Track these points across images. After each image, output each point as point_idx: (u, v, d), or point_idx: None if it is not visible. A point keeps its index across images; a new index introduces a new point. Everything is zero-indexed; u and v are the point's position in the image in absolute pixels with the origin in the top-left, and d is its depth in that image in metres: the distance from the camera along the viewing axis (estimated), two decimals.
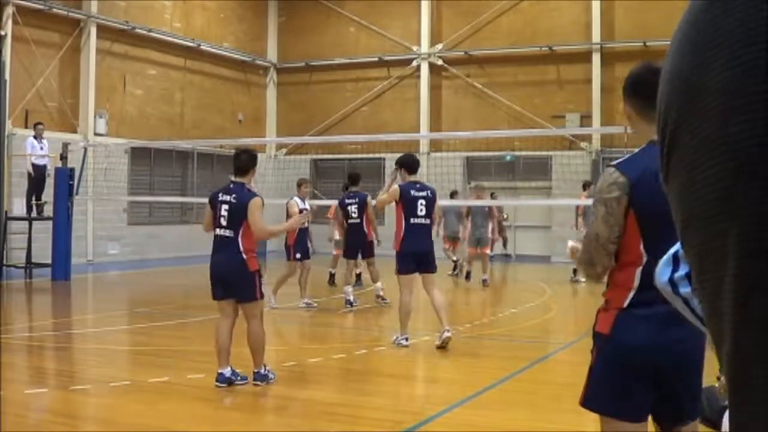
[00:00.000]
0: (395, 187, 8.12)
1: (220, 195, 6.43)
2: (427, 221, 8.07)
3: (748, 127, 0.51)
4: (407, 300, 7.98)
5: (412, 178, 8.15)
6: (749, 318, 0.52)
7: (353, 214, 10.85)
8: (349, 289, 11.19)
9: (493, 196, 18.25)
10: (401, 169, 8.21)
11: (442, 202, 11.62)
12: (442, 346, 7.80)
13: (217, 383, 6.25)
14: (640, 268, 2.59)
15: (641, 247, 2.60)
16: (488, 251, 14.35)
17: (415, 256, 7.93)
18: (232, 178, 6.51)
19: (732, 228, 0.52)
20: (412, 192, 7.99)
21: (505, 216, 18.67)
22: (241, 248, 6.25)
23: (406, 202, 7.95)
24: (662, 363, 2.58)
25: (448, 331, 7.81)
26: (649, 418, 2.71)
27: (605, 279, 2.73)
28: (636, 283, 2.60)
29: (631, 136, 2.89)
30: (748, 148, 0.51)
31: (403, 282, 7.99)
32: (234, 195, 6.33)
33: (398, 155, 8.53)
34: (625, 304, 2.60)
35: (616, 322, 2.61)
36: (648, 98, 2.72)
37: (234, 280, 6.25)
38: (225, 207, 6.32)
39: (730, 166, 0.52)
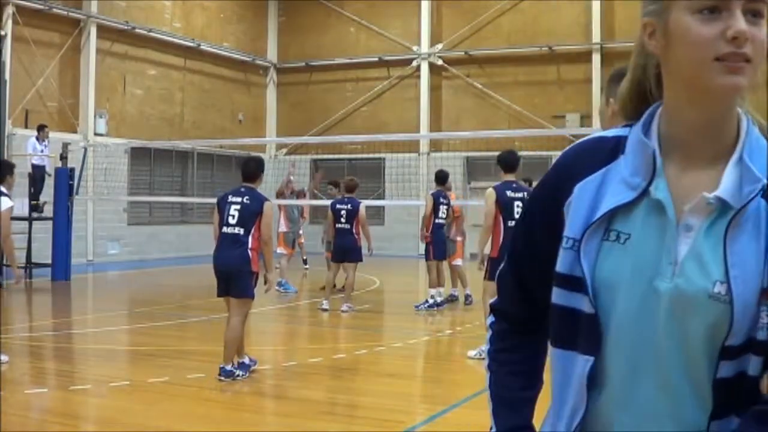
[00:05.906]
0: (490, 190, 7.58)
1: (229, 197, 6.67)
2: None
3: None
4: None
5: (509, 177, 7.64)
6: None
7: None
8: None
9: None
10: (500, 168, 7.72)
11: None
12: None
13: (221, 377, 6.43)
14: None
15: None
16: (458, 261, 11.69)
17: None
18: (243, 183, 6.75)
19: None
20: (509, 193, 7.47)
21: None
22: (250, 246, 6.49)
23: (503, 205, 7.39)
24: None
25: None
26: None
27: None
28: None
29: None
30: None
31: (495, 290, 7.43)
32: (247, 197, 6.59)
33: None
34: None
35: None
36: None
37: (236, 275, 6.45)
38: (235, 207, 6.55)
39: None
